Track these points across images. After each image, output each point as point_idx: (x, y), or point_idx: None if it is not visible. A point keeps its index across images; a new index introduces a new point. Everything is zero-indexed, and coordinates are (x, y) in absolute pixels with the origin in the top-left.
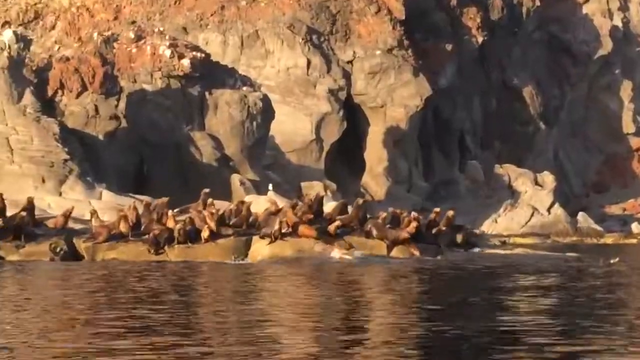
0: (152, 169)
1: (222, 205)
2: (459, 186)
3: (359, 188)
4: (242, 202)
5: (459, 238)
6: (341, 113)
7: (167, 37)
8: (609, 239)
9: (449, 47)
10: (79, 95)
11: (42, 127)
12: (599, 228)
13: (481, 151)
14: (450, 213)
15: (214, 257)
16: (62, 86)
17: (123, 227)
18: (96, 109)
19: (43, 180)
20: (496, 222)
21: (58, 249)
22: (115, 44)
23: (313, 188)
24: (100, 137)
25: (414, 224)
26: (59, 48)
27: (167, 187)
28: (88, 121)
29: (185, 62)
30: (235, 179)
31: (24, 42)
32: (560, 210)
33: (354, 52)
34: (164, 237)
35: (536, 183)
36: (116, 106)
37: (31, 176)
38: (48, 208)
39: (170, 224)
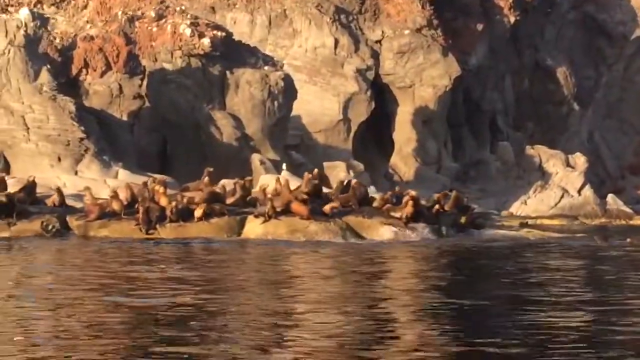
0: (173, 148)
1: (228, 184)
2: (489, 167)
3: (387, 169)
4: (242, 181)
5: (463, 219)
6: (369, 93)
7: (188, 16)
8: (638, 221)
9: (479, 27)
10: (103, 74)
11: (58, 105)
12: (628, 210)
13: (513, 132)
14: (456, 194)
15: (206, 235)
16: (86, 65)
17: (116, 205)
18: (120, 89)
19: (59, 159)
20: (525, 203)
21: (50, 227)
22: (137, 23)
23: (336, 168)
24: (124, 116)
25: (410, 204)
26: (90, 27)
27: (188, 167)
28: (112, 100)
29: (206, 40)
30: (255, 158)
31: (41, 20)
32: (589, 192)
33: (383, 32)
34: (156, 215)
35: (568, 164)
36: (140, 85)
37: (47, 155)
38: (63, 187)
39: (163, 202)
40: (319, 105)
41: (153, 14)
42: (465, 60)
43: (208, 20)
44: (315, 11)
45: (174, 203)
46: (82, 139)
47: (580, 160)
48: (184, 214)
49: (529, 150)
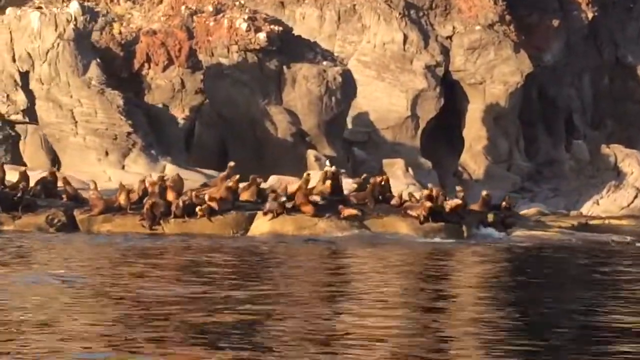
0: (229, 144)
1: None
2: (562, 166)
3: (456, 167)
4: (255, 178)
5: (490, 217)
6: (438, 89)
7: (246, 11)
8: None
9: (555, 22)
10: (165, 69)
11: (106, 99)
12: None
13: (591, 130)
14: (485, 193)
15: (211, 232)
16: (148, 60)
17: (122, 200)
18: (182, 83)
19: (106, 153)
20: (598, 203)
21: (55, 221)
22: (194, 17)
23: (394, 165)
24: (186, 111)
25: (427, 204)
26: (166, 20)
27: (244, 162)
28: (174, 95)
29: (262, 35)
30: (310, 154)
31: (91, 14)
32: None
33: (454, 27)
34: (160, 210)
35: None
36: (202, 80)
37: (94, 149)
38: (108, 181)
39: (170, 197)
40: (387, 102)
41: (211, 9)
42: (540, 57)
43: (267, 15)
44: (384, 6)
45: (181, 199)
46: (129, 133)
47: None
48: (190, 210)
49: (605, 149)
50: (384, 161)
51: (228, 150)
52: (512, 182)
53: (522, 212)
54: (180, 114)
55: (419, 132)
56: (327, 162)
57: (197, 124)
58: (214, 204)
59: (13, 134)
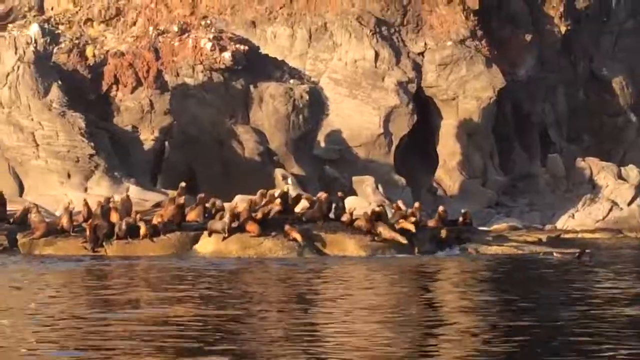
0: (196, 164)
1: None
2: (538, 180)
3: (431, 183)
4: (203, 198)
5: (443, 233)
6: (411, 106)
7: (212, 30)
8: None
9: (528, 37)
10: (133, 90)
11: (67, 121)
12: None
13: (567, 144)
14: (441, 209)
15: (154, 253)
16: (116, 81)
17: (65, 222)
18: (151, 104)
19: (69, 176)
20: (573, 217)
21: None
22: (160, 38)
23: (364, 183)
24: (156, 132)
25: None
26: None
27: (211, 183)
28: (143, 116)
29: (227, 54)
30: (278, 173)
31: (51, 36)
32: (636, 206)
33: (425, 44)
34: (103, 232)
35: (620, 177)
36: (170, 101)
37: (57, 172)
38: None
39: (114, 219)
40: (360, 119)
41: (176, 29)
42: (514, 72)
43: (233, 35)
44: (355, 23)
45: (123, 220)
46: (91, 155)
47: (633, 172)
48: (134, 232)
49: (580, 162)
50: (354, 178)
51: (196, 171)
52: (487, 197)
53: (492, 227)
54: (149, 135)
55: (393, 148)
56: (289, 181)
57: (166, 144)
58: (157, 224)
59: None
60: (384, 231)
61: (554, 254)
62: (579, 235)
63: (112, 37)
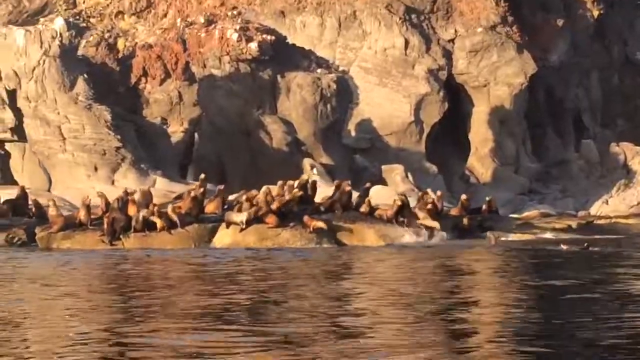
0: (225, 155)
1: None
2: (571, 166)
3: (464, 170)
4: (221, 190)
5: (465, 221)
6: (441, 93)
7: (238, 21)
8: None
9: (560, 22)
10: (162, 82)
11: (93, 114)
12: None
13: (602, 130)
14: (464, 197)
15: (172, 246)
16: (145, 73)
17: (83, 216)
18: (180, 96)
19: (95, 169)
20: (607, 203)
21: (15, 239)
22: (187, 30)
23: (393, 171)
24: (185, 124)
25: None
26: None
27: (240, 174)
28: (172, 108)
29: (253, 45)
30: (306, 163)
31: (76, 30)
32: None
33: (455, 30)
34: (120, 225)
35: None
36: (198, 92)
37: (83, 165)
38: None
39: (131, 212)
40: (390, 108)
41: (202, 20)
42: (546, 57)
43: (260, 25)
44: (385, 12)
45: (140, 213)
46: (118, 148)
47: None
48: (151, 224)
49: (614, 147)
50: (383, 167)
51: (224, 162)
52: (520, 184)
53: (523, 215)
54: (179, 126)
55: (424, 136)
56: (315, 170)
57: (196, 136)
58: (174, 217)
59: (2, 152)
60: (424, 220)
61: (562, 246)
62: (612, 221)
63: (142, 29)
